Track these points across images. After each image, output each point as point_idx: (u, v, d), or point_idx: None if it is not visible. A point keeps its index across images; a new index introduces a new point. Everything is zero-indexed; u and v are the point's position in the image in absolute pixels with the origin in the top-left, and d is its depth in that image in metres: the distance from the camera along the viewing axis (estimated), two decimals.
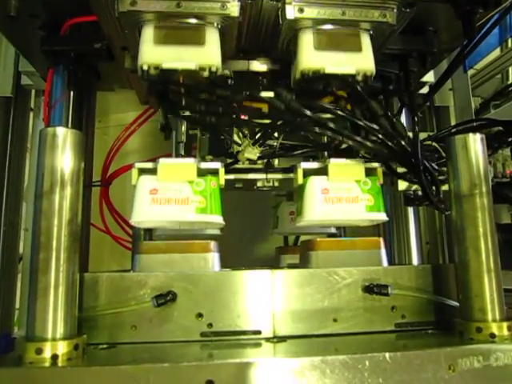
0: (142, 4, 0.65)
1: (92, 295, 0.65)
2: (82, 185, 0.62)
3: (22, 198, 1.12)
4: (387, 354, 0.55)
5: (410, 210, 1.05)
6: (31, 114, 1.17)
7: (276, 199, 1.08)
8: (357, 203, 0.71)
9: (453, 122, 1.25)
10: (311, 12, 0.68)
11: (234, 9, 0.66)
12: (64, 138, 0.59)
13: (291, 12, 0.68)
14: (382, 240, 0.79)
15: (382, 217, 0.71)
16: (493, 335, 0.60)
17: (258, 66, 0.87)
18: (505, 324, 0.61)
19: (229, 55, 0.81)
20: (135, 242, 0.99)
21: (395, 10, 0.69)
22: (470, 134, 0.66)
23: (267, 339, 0.65)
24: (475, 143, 0.66)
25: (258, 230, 1.28)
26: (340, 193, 0.71)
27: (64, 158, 0.58)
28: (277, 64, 0.87)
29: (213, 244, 0.73)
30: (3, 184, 1.06)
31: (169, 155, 1.14)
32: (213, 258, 0.72)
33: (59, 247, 0.56)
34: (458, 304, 0.67)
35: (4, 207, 1.06)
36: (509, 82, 1.67)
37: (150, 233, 1.02)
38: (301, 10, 0.68)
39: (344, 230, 1.10)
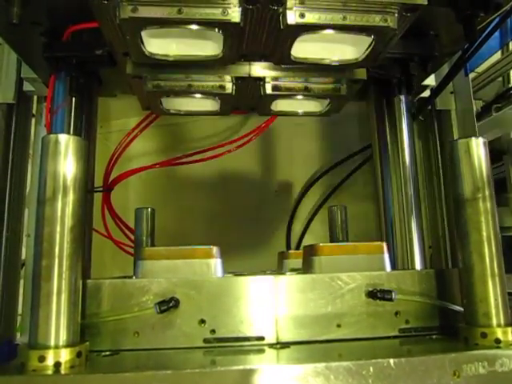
0: (144, 10, 0.65)
1: (94, 302, 0.65)
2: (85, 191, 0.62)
3: (25, 204, 1.13)
4: (391, 360, 0.54)
5: (413, 215, 1.05)
6: (33, 121, 1.18)
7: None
8: None
9: (455, 126, 1.25)
10: (312, 17, 0.68)
11: (235, 14, 0.67)
12: (66, 145, 0.59)
13: (292, 17, 0.68)
14: (384, 244, 0.78)
15: None
16: (498, 340, 0.60)
17: (261, 71, 0.87)
18: (510, 329, 0.61)
19: (230, 61, 0.81)
20: (137, 248, 0.99)
21: (396, 15, 0.69)
22: (473, 138, 0.66)
23: (270, 345, 0.65)
24: (478, 147, 0.66)
25: (261, 234, 1.28)
26: None
27: (66, 164, 0.58)
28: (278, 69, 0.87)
29: (215, 250, 0.73)
30: (5, 190, 1.06)
31: (175, 159, 1.14)
32: (215, 264, 0.72)
33: (62, 254, 0.56)
34: (462, 309, 0.67)
35: (6, 213, 1.06)
36: (510, 85, 1.67)
37: (152, 238, 1.02)
38: (302, 15, 0.68)
39: (347, 235, 1.10)
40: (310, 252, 0.77)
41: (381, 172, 1.09)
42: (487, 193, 0.64)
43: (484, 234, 0.63)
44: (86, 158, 0.61)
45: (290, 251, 1.11)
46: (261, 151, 1.34)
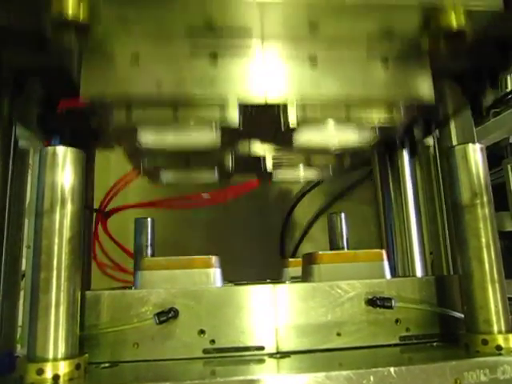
0: (137, 117, 0.65)
1: (94, 313, 0.65)
2: (84, 204, 0.62)
3: (25, 214, 1.12)
4: (392, 369, 0.54)
5: (413, 221, 1.05)
6: None
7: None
8: None
9: (453, 131, 1.25)
10: (313, 115, 0.68)
11: (233, 118, 0.65)
12: (64, 157, 0.59)
13: (293, 119, 0.67)
14: (384, 252, 0.78)
15: None
16: (499, 347, 0.60)
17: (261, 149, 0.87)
18: (511, 336, 0.60)
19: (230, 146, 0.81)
20: (137, 259, 0.99)
21: (402, 110, 0.69)
22: (470, 144, 0.66)
23: (270, 355, 0.65)
24: (475, 153, 0.66)
25: (260, 242, 1.28)
26: None
27: (64, 176, 0.58)
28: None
29: (214, 259, 0.73)
30: (5, 200, 1.06)
31: (171, 200, 1.15)
32: (214, 274, 0.72)
33: (60, 266, 0.56)
34: (462, 316, 0.66)
35: (6, 224, 1.06)
36: (508, 90, 1.67)
37: (152, 248, 1.02)
38: (303, 116, 0.67)
39: (347, 242, 1.09)
40: (309, 260, 0.77)
41: (380, 177, 1.10)
42: (485, 199, 0.64)
43: (483, 240, 0.63)
44: (84, 169, 0.61)
45: (290, 259, 1.11)
46: None
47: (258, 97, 0.66)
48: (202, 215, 1.28)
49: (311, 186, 1.32)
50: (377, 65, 0.68)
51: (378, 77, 0.67)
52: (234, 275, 0.84)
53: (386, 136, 0.91)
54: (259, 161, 0.90)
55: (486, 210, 0.64)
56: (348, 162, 0.90)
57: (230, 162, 0.87)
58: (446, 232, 1.21)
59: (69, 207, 0.58)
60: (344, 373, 0.53)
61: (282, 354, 0.65)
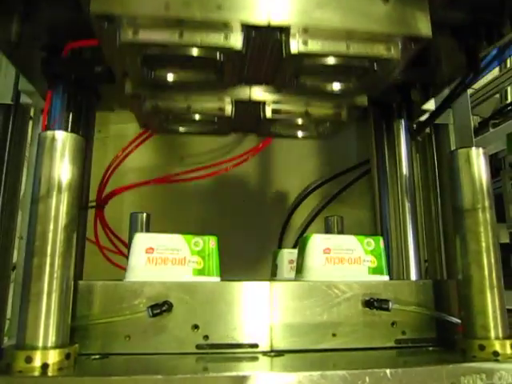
0: (144, 34, 0.65)
1: (86, 304, 0.63)
2: (80, 194, 0.60)
3: (18, 205, 1.11)
4: (388, 371, 0.53)
5: (409, 227, 1.04)
6: (30, 123, 1.16)
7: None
8: (359, 265, 0.72)
9: (452, 140, 1.25)
10: (315, 45, 0.68)
11: (237, 41, 0.66)
12: (63, 142, 0.58)
13: (295, 45, 0.67)
14: None
15: (385, 279, 0.73)
16: (496, 353, 0.59)
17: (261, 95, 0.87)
18: (508, 342, 0.60)
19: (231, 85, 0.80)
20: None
21: (400, 46, 0.69)
22: (473, 148, 0.66)
23: (264, 353, 0.64)
24: (478, 158, 0.66)
25: (257, 242, 1.27)
26: (342, 253, 0.72)
27: (63, 162, 0.57)
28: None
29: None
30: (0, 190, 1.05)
31: (171, 176, 1.15)
32: None
33: (54, 252, 0.55)
34: (459, 321, 0.66)
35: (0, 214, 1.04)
36: (507, 102, 1.68)
37: None
38: (305, 43, 0.67)
39: None
40: None
41: (378, 183, 1.09)
42: (487, 203, 0.64)
43: (483, 244, 0.63)
44: (84, 156, 0.60)
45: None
46: (259, 161, 1.33)
47: (261, 20, 0.66)
48: (200, 213, 1.26)
49: (310, 189, 1.31)
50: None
51: (378, 11, 0.68)
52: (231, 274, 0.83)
53: (384, 95, 0.92)
54: (258, 107, 0.89)
55: (488, 215, 0.64)
56: (345, 114, 0.89)
57: (230, 106, 0.86)
58: (442, 240, 1.21)
59: (66, 194, 0.57)
60: (340, 373, 0.53)
61: (276, 353, 0.64)
